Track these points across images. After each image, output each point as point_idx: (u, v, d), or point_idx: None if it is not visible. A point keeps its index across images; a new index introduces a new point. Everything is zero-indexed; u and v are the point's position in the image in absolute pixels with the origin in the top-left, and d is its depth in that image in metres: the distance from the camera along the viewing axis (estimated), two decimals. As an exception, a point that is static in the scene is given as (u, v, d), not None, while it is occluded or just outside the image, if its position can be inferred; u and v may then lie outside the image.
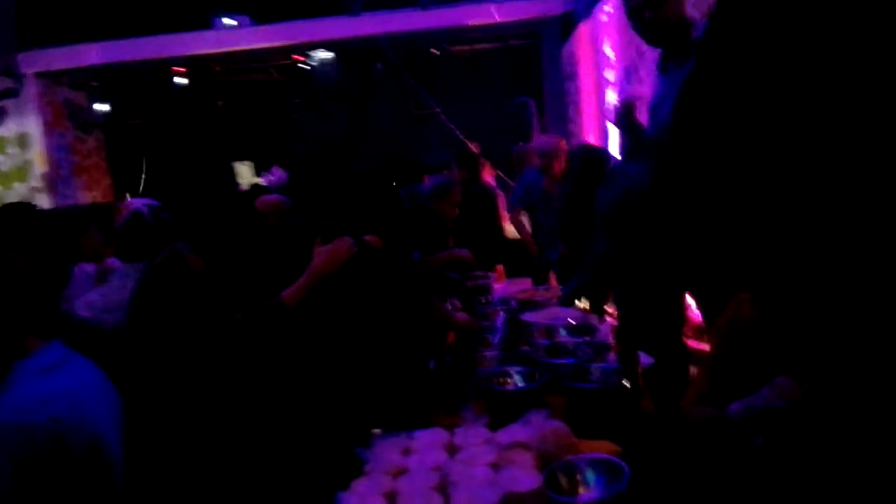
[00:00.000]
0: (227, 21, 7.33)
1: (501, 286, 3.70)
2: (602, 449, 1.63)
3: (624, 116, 2.87)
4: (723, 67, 1.94)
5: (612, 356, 2.34)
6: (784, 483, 1.01)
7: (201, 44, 7.28)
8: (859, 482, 0.90)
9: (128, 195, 8.35)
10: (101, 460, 1.36)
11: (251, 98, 9.33)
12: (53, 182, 7.42)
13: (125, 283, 2.23)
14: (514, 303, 3.24)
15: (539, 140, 5.04)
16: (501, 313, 2.93)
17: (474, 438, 1.75)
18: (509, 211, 5.12)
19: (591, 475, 1.56)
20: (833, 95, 1.04)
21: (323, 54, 8.06)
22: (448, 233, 3.49)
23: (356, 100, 9.30)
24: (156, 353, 1.73)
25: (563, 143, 4.64)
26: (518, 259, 4.86)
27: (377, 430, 1.86)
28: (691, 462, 1.31)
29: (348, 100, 9.26)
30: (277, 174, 7.32)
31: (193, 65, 7.92)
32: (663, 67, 2.48)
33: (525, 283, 3.71)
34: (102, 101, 8.31)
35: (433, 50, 8.39)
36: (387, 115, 9.51)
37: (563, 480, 1.55)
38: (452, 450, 1.74)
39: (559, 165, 4.46)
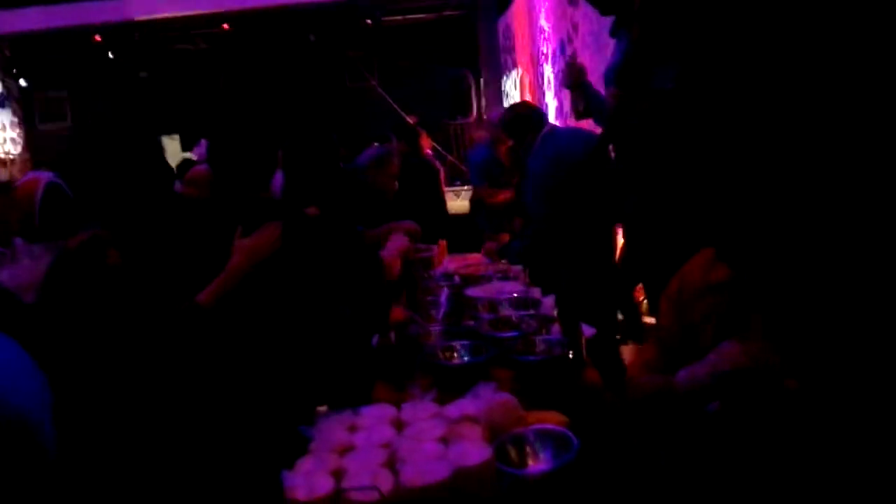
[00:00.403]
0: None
1: (445, 261, 3.68)
2: (551, 420, 1.64)
3: (571, 76, 2.88)
4: (659, 32, 1.99)
5: (556, 328, 2.36)
6: (743, 448, 1.02)
7: (123, 11, 6.91)
8: (823, 446, 0.92)
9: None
10: (27, 439, 1.27)
11: (177, 69, 8.92)
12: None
13: (38, 264, 2.09)
14: (457, 278, 3.23)
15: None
16: (445, 288, 2.92)
17: (422, 413, 1.73)
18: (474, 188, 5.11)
19: (540, 447, 1.57)
20: (768, 51, 1.05)
21: None
22: (389, 206, 3.43)
23: (288, 72, 9.02)
24: (68, 342, 1.63)
25: None
26: (460, 234, 4.86)
27: (322, 408, 1.81)
28: (639, 431, 1.33)
29: (280, 72, 8.98)
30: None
31: (114, 33, 7.51)
32: (615, 32, 2.56)
33: (475, 258, 3.71)
34: (19, 72, 7.80)
35: (367, 21, 8.21)
36: (321, 88, 9.26)
37: (513, 452, 1.55)
38: (400, 426, 1.71)
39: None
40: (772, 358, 0.93)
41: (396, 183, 3.39)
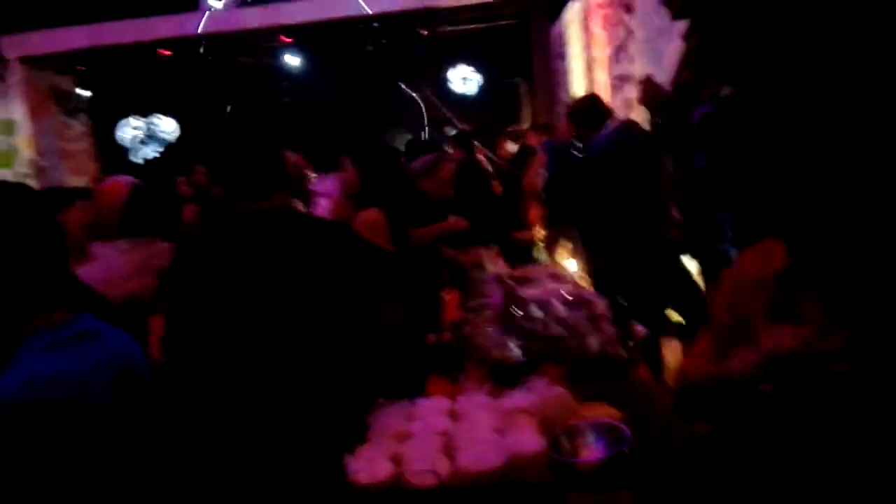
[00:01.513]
0: (212, 2, 7.27)
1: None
2: (602, 414, 1.67)
3: (648, 94, 2.89)
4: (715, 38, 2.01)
5: (608, 328, 2.39)
6: (794, 430, 1.04)
7: (187, 25, 7.21)
8: (871, 430, 0.94)
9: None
10: (88, 443, 1.34)
11: (238, 81, 9.24)
12: (41, 167, 7.36)
13: (127, 257, 2.23)
14: (508, 278, 3.27)
15: None
16: (498, 288, 2.97)
17: (477, 405, 1.78)
18: None
19: (592, 438, 1.61)
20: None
21: None
22: (444, 213, 3.49)
23: (347, 81, 9.24)
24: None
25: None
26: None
27: (381, 400, 1.89)
28: (691, 422, 1.35)
29: (338, 81, 9.21)
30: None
31: (179, 47, 7.84)
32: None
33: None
34: (88, 85, 8.22)
35: (422, 31, 8.34)
36: (377, 96, 9.46)
37: (566, 443, 1.60)
38: (455, 416, 1.77)
39: None
40: (822, 342, 0.95)
41: (451, 189, 3.43)
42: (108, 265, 2.21)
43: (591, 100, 3.99)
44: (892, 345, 0.95)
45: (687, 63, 2.46)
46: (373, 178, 2.98)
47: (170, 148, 8.93)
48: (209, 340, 1.73)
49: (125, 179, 2.61)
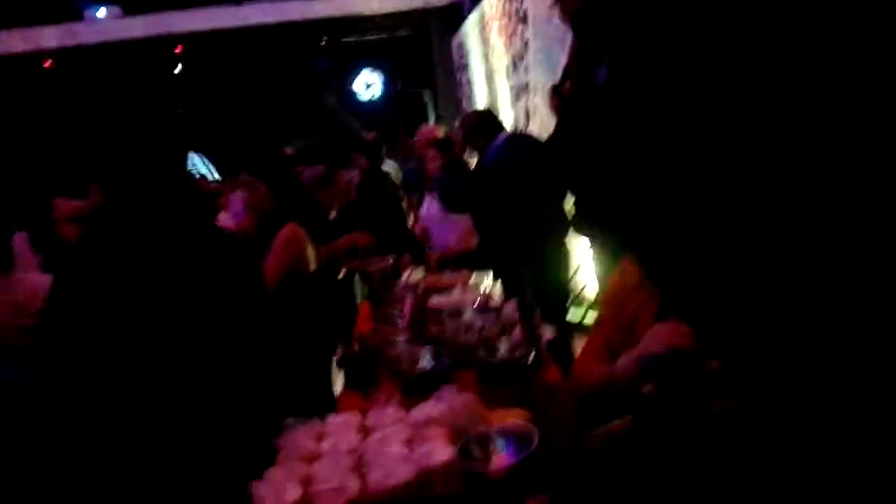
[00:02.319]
0: (99, 12, 6.92)
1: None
2: (513, 418, 1.68)
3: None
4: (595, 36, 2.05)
5: (517, 332, 2.42)
6: (678, 429, 1.07)
7: (71, 36, 6.83)
8: (744, 427, 0.97)
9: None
10: None
11: (127, 90, 8.82)
12: None
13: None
14: (420, 287, 3.26)
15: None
16: (408, 297, 2.95)
17: (388, 419, 1.75)
18: None
19: (502, 443, 1.61)
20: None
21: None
22: (342, 222, 3.43)
23: (247, 91, 9.01)
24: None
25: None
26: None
27: (290, 420, 1.82)
28: (593, 419, 1.38)
29: (238, 91, 8.96)
30: None
31: (63, 57, 7.41)
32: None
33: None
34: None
35: (322, 42, 8.26)
36: (279, 106, 9.28)
37: (476, 450, 1.59)
38: (366, 432, 1.73)
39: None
40: (695, 340, 0.98)
41: (345, 199, 3.36)
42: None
43: (482, 114, 4.09)
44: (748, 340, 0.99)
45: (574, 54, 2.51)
46: (280, 193, 2.91)
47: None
48: (90, 366, 1.61)
49: None
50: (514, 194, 3.42)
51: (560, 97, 2.48)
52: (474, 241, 3.78)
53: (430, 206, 4.24)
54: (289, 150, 6.23)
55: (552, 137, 2.54)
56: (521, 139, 3.93)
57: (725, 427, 0.97)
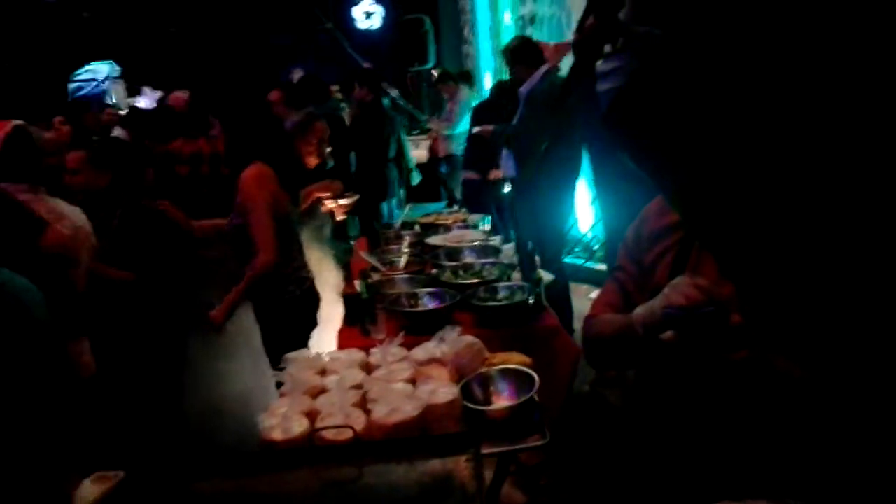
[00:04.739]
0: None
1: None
2: (513, 361, 1.73)
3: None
4: None
5: (516, 275, 2.45)
6: (693, 380, 1.11)
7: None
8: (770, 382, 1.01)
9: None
10: None
11: (123, 11, 8.54)
12: None
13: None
14: (418, 226, 3.27)
15: None
16: (406, 237, 2.97)
17: (391, 357, 1.79)
18: None
19: (502, 385, 1.67)
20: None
21: None
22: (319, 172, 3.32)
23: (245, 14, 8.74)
24: None
25: None
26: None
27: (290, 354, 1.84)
28: (599, 370, 1.42)
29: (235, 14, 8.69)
30: (150, 96, 6.79)
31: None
32: None
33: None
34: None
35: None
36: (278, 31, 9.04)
37: (478, 391, 1.65)
38: (370, 368, 1.78)
39: None
40: (721, 291, 1.01)
41: (320, 152, 3.20)
42: None
43: (526, 42, 4.03)
44: (779, 301, 1.02)
45: (592, 8, 2.45)
46: (247, 136, 2.86)
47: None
48: None
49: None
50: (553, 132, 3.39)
51: (581, 32, 2.44)
52: None
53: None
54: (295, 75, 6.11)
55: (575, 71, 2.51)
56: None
57: (737, 375, 1.01)
